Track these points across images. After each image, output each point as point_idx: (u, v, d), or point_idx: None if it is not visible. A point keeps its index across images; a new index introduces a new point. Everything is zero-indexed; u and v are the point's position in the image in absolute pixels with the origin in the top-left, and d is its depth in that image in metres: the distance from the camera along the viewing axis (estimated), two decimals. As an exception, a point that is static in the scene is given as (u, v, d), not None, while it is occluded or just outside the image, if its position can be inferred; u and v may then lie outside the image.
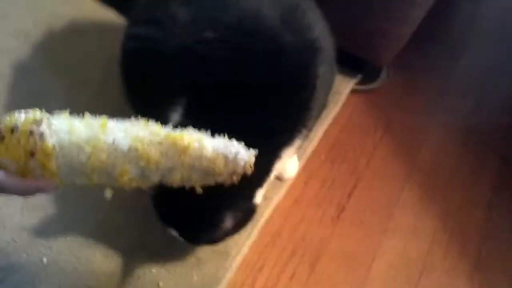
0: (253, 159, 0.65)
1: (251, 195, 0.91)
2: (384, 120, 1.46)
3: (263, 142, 0.83)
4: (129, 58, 0.98)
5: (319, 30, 0.94)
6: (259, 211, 1.10)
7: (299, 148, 1.00)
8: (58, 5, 1.43)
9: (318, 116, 0.99)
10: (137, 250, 1.01)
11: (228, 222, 0.87)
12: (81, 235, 1.01)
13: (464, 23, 1.98)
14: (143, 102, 1.00)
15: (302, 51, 0.89)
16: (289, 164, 1.16)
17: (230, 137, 0.77)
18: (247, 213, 0.92)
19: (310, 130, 0.96)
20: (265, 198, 1.13)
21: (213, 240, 0.95)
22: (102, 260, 0.99)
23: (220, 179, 0.65)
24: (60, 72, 1.26)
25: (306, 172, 1.26)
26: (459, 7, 2.03)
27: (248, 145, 0.79)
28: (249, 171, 0.65)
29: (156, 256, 1.01)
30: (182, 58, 0.87)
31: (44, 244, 0.98)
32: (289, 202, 1.19)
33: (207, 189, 0.68)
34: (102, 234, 1.02)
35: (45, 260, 0.96)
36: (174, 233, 0.90)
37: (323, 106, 1.00)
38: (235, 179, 0.65)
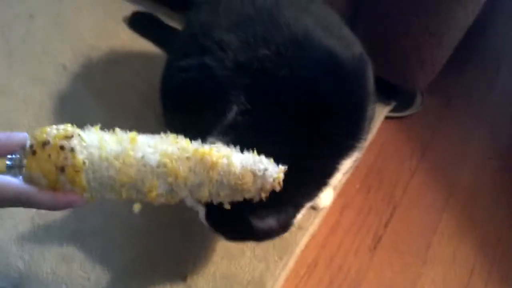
0: (282, 176, 0.64)
1: (301, 206, 0.90)
2: (419, 147, 1.44)
3: (322, 152, 0.84)
4: (180, 89, 0.99)
5: (361, 47, 0.98)
6: (294, 240, 1.10)
7: (354, 162, 0.99)
8: (96, 37, 1.47)
9: (368, 131, 0.98)
10: (174, 281, 1.01)
11: (270, 222, 0.85)
12: (118, 266, 1.01)
13: (498, 46, 1.95)
14: (192, 129, 1.00)
15: (355, 60, 0.92)
16: (324, 192, 1.15)
17: (290, 146, 0.79)
18: (283, 227, 0.89)
19: (365, 141, 0.95)
20: (300, 227, 1.12)
21: (245, 232, 0.91)
22: (140, 291, 0.99)
23: (248, 196, 0.64)
24: (98, 102, 1.29)
25: (341, 201, 1.25)
26: (493, 31, 2.01)
27: (306, 155, 0.81)
28: (278, 188, 0.64)
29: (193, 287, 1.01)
30: (236, 76, 0.89)
31: (82, 275, 0.99)
32: (325, 232, 1.18)
33: None
34: (140, 265, 1.02)
35: (84, 291, 0.97)
36: (201, 208, 0.88)
37: (371, 122, 1.00)
38: (264, 195, 0.64)
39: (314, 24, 0.95)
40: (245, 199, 0.66)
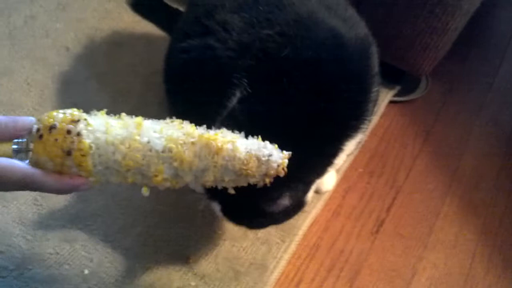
0: (286, 161, 0.64)
1: (309, 184, 0.91)
2: (423, 132, 1.44)
3: (325, 132, 0.86)
4: (182, 71, 1.00)
5: (366, 28, 0.99)
6: (296, 223, 1.10)
7: (358, 143, 0.99)
8: (98, 19, 1.46)
9: (372, 113, 0.99)
10: (177, 263, 1.01)
11: (285, 201, 0.85)
12: (121, 247, 1.02)
13: (504, 31, 1.94)
14: (195, 110, 1.00)
15: (358, 41, 0.92)
16: (327, 176, 1.15)
17: (294, 126, 0.81)
18: (297, 205, 0.91)
19: (369, 123, 0.96)
20: (303, 211, 1.12)
21: (263, 219, 0.93)
22: (142, 272, 0.99)
23: (252, 181, 0.64)
24: (100, 84, 1.29)
25: (344, 185, 1.25)
26: (499, 15, 2.00)
27: (310, 134, 0.82)
28: (282, 173, 0.64)
29: (195, 269, 1.01)
30: (239, 57, 0.89)
31: (85, 256, 0.99)
32: (327, 215, 1.18)
33: None
34: (142, 246, 1.03)
35: (86, 271, 0.97)
36: (215, 205, 0.90)
37: (375, 104, 1.00)
38: (268, 181, 0.65)
39: (318, 4, 0.95)
40: (254, 186, 0.66)
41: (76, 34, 1.40)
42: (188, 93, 0.99)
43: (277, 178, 0.65)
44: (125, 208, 1.07)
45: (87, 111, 0.61)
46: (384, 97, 1.44)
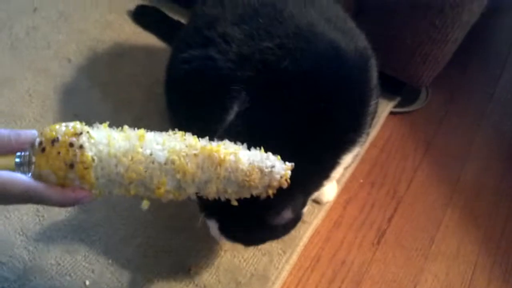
0: (289, 173, 0.64)
1: (307, 196, 0.91)
2: (424, 142, 1.44)
3: (323, 145, 0.86)
4: (183, 81, 1.00)
5: (365, 41, 0.99)
6: (298, 234, 1.10)
7: (356, 156, 0.98)
8: (100, 30, 1.47)
9: (370, 126, 0.99)
10: (178, 274, 1.01)
11: (288, 214, 0.84)
12: (123, 258, 1.02)
13: (504, 40, 1.95)
14: (195, 120, 1.01)
15: (358, 53, 0.93)
16: (327, 187, 1.15)
17: (292, 136, 0.81)
18: (293, 219, 0.90)
19: (366, 136, 0.96)
20: (304, 222, 1.12)
21: (264, 232, 0.91)
22: (144, 283, 0.99)
23: (255, 192, 0.65)
24: (102, 95, 1.30)
25: (345, 195, 1.25)
26: (499, 24, 2.00)
27: (307, 147, 0.82)
28: (285, 184, 0.64)
29: (196, 280, 1.01)
30: (239, 69, 0.89)
31: (87, 267, 0.99)
32: (328, 226, 1.18)
33: None
34: (144, 257, 1.03)
35: (87, 282, 0.97)
36: (213, 223, 0.89)
37: (373, 117, 1.00)
38: (271, 192, 0.65)
39: (318, 16, 0.96)
40: (254, 200, 0.67)
41: (78, 45, 1.41)
42: (189, 103, 1.00)
43: (279, 189, 0.66)
44: (126, 218, 1.07)
45: (89, 121, 0.61)
46: (384, 108, 1.45)
